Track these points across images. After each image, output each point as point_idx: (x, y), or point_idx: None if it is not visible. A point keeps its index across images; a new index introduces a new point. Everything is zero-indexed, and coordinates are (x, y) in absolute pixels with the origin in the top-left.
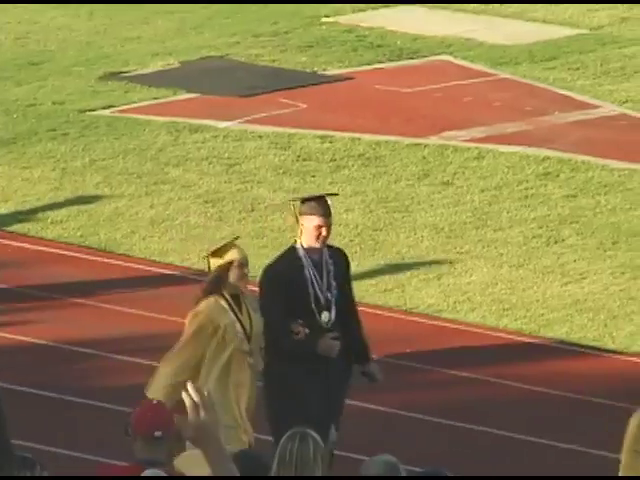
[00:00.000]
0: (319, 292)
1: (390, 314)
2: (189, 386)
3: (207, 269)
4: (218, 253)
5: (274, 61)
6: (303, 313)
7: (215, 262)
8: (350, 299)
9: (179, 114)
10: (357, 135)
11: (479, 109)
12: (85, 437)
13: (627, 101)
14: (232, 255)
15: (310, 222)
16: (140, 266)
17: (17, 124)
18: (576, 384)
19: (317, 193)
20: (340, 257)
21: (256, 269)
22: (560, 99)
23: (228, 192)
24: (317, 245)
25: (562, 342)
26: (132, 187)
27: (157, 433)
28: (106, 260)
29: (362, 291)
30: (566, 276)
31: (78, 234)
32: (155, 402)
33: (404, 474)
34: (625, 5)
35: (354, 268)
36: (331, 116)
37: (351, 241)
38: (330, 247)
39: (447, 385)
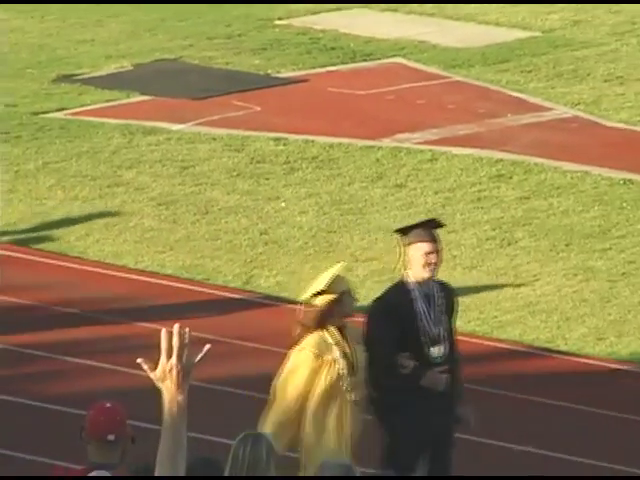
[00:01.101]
0: (429, 326)
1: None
2: (175, 328)
3: (305, 303)
4: (326, 289)
5: (228, 63)
6: (412, 347)
7: (324, 297)
8: (455, 334)
9: (132, 116)
10: (311, 137)
11: (432, 111)
12: (42, 441)
13: (579, 103)
14: (342, 286)
15: (417, 250)
16: (94, 269)
17: None
18: (528, 385)
19: (422, 219)
20: (448, 291)
21: (209, 272)
22: (513, 101)
23: (182, 194)
24: (426, 274)
25: (515, 344)
26: (86, 190)
27: (110, 437)
28: (60, 263)
29: None
30: (519, 278)
31: (32, 236)
32: (108, 405)
33: (358, 475)
34: (577, 8)
35: (308, 270)
36: (285, 118)
37: (305, 243)
38: (440, 281)
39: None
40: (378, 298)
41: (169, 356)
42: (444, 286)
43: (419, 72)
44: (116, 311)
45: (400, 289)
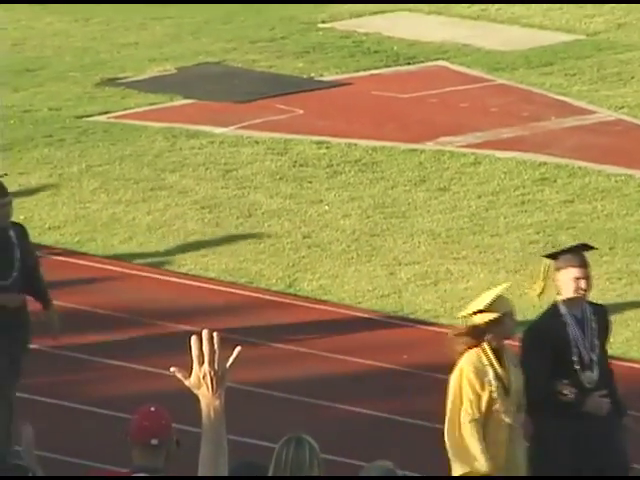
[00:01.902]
0: (583, 351)
1: (387, 320)
2: (204, 334)
3: (465, 323)
4: (487, 308)
5: (271, 67)
6: (566, 373)
7: (484, 317)
8: (607, 358)
9: (176, 120)
10: (354, 141)
11: (476, 115)
12: (89, 445)
13: (623, 107)
14: (504, 307)
15: (568, 275)
16: (138, 272)
17: (14, 130)
18: None
19: (572, 244)
20: (602, 313)
21: (252, 275)
22: (556, 105)
23: (225, 198)
24: (577, 299)
25: None
26: (129, 193)
27: (154, 441)
28: (104, 266)
29: (359, 297)
30: None
31: (75, 240)
32: (152, 409)
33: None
34: (622, 11)
35: (351, 274)
36: (328, 122)
37: (348, 247)
38: (592, 304)
39: (444, 390)
40: (532, 324)
41: (201, 362)
42: (597, 308)
43: (462, 75)
44: (160, 314)
45: (552, 315)
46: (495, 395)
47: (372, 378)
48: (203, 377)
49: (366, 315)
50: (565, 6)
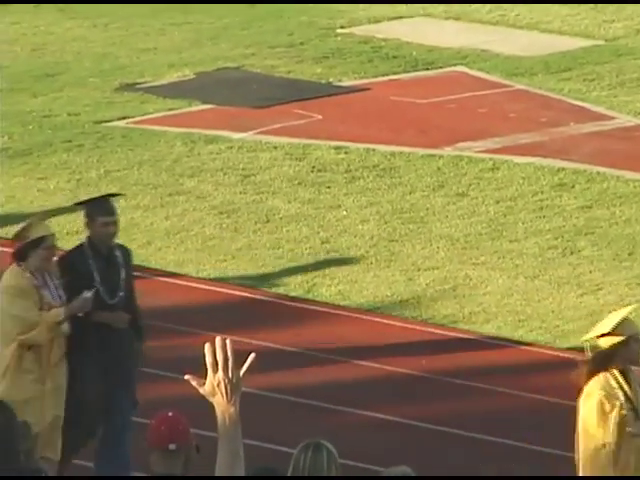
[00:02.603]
0: None
1: (405, 325)
2: (217, 341)
3: (590, 345)
4: (613, 331)
5: (290, 72)
6: None
7: (609, 340)
8: None
9: (194, 125)
10: (372, 146)
11: (494, 120)
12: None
13: None
14: (631, 330)
15: None
16: (156, 277)
17: (33, 135)
18: None
19: None
20: None
21: (270, 280)
22: (575, 110)
23: (243, 203)
24: None
25: (578, 353)
26: (147, 198)
27: (172, 446)
28: None
29: (378, 302)
30: (582, 287)
31: None
32: (170, 414)
33: None
34: None
35: (369, 279)
36: (346, 127)
37: (366, 252)
38: None
39: (462, 396)
40: None
41: (215, 370)
42: None
43: (481, 81)
44: (178, 319)
45: None
46: (627, 418)
47: (390, 383)
48: (217, 385)
49: (385, 320)
50: (584, 11)
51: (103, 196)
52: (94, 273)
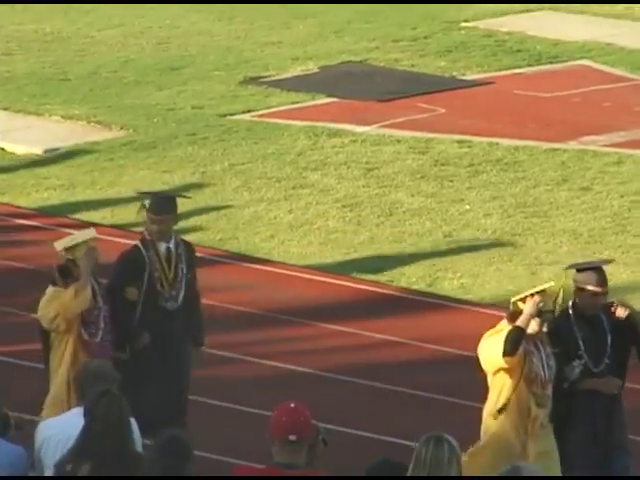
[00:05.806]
0: None
1: None
2: None
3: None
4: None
5: (413, 66)
6: None
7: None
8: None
9: (318, 118)
10: (495, 140)
11: (619, 114)
12: (232, 441)
13: None
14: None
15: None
16: (280, 270)
17: (157, 128)
18: None
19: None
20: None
21: (393, 273)
22: None
23: (366, 196)
24: None
25: None
26: (271, 191)
27: (292, 437)
28: (246, 264)
29: (500, 296)
30: None
31: (217, 238)
32: (292, 405)
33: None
34: None
35: (492, 273)
36: (469, 121)
37: (489, 246)
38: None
39: None
40: None
41: None
42: None
43: (606, 74)
44: (301, 312)
45: None
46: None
47: None
48: None
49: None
50: None
51: None
52: None
